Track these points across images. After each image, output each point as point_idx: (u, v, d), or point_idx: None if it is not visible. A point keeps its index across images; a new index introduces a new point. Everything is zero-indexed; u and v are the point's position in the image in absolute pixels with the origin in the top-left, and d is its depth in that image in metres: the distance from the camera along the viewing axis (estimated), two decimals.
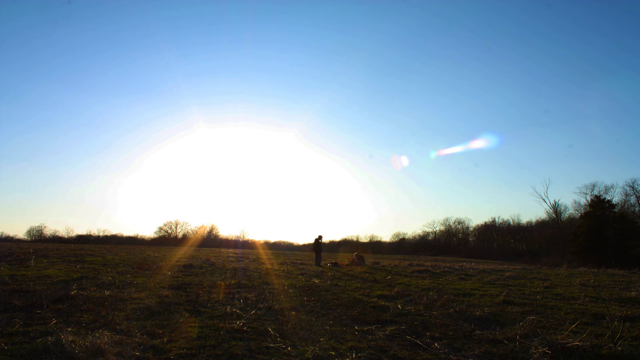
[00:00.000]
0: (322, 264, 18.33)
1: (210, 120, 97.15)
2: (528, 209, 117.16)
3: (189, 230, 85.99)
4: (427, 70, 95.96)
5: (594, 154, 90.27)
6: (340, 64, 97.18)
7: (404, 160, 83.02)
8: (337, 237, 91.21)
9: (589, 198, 50.29)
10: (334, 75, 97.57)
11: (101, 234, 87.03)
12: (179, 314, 5.53)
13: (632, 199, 50.92)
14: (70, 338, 3.87)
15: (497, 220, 76.59)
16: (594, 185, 53.26)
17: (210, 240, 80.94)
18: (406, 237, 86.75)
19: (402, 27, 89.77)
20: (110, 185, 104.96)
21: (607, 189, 52.19)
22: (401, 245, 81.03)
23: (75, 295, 6.45)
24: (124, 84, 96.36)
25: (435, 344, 4.32)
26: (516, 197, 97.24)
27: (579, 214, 50.51)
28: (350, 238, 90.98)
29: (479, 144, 72.42)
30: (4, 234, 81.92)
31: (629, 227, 36.09)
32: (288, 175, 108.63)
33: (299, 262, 21.18)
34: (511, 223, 74.61)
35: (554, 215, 61.31)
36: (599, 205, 38.59)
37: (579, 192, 62.01)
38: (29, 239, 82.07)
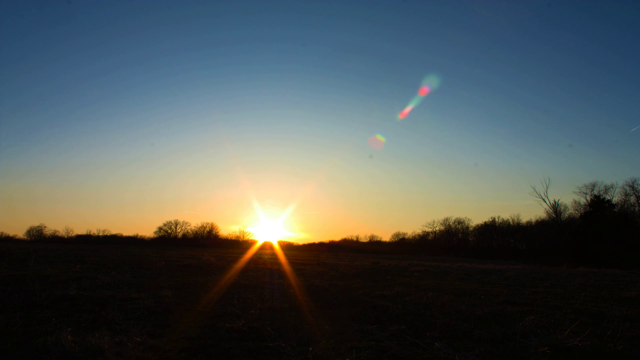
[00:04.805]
0: None
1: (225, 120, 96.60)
2: (528, 209, 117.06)
3: (189, 230, 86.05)
4: (423, 68, 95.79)
5: (594, 154, 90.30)
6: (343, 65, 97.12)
7: (380, 138, 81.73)
8: (337, 238, 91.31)
9: (589, 198, 50.32)
10: (337, 75, 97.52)
11: (101, 234, 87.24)
12: (179, 314, 5.53)
13: (632, 199, 50.93)
14: (70, 338, 3.86)
15: (497, 220, 76.64)
16: (594, 185, 53.30)
17: (210, 240, 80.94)
18: (406, 237, 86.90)
19: (394, 21, 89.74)
20: (110, 185, 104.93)
21: (607, 189, 52.22)
22: (401, 245, 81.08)
23: (75, 295, 6.45)
24: (121, 83, 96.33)
25: (436, 344, 4.32)
26: (516, 197, 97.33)
27: (579, 214, 50.55)
28: (350, 238, 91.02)
29: (425, 90, 71.40)
30: (4, 234, 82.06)
31: (629, 227, 36.12)
32: (288, 174, 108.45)
33: (299, 262, 21.19)
34: (511, 223, 74.65)
35: (553, 215, 61.34)
36: (599, 205, 38.62)
37: (579, 192, 61.90)
38: (28, 239, 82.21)
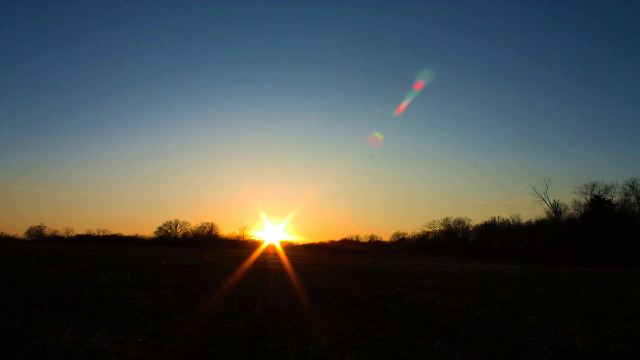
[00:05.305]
0: None
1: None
2: (528, 209, 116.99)
3: (189, 230, 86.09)
4: (419, 64, 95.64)
5: (594, 154, 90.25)
6: (339, 67, 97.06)
7: (378, 136, 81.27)
8: (337, 238, 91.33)
9: (589, 198, 50.24)
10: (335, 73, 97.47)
11: (101, 234, 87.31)
12: (179, 314, 5.53)
13: (632, 199, 50.82)
14: (70, 338, 3.86)
15: (496, 220, 76.59)
16: (594, 185, 53.18)
17: (210, 240, 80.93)
18: (406, 237, 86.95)
19: (390, 25, 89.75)
20: (111, 184, 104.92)
21: (607, 189, 52.09)
22: (401, 246, 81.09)
23: (75, 295, 6.45)
24: (121, 82, 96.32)
25: (436, 344, 4.32)
26: (516, 197, 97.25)
27: (579, 214, 50.55)
28: (350, 238, 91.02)
29: (420, 84, 71.18)
30: (4, 234, 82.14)
31: (629, 227, 36.13)
32: (288, 175, 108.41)
33: (299, 262, 21.20)
34: (511, 223, 74.60)
35: (553, 215, 61.29)
36: (599, 205, 38.66)
37: (579, 192, 61.72)
38: (28, 239, 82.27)
